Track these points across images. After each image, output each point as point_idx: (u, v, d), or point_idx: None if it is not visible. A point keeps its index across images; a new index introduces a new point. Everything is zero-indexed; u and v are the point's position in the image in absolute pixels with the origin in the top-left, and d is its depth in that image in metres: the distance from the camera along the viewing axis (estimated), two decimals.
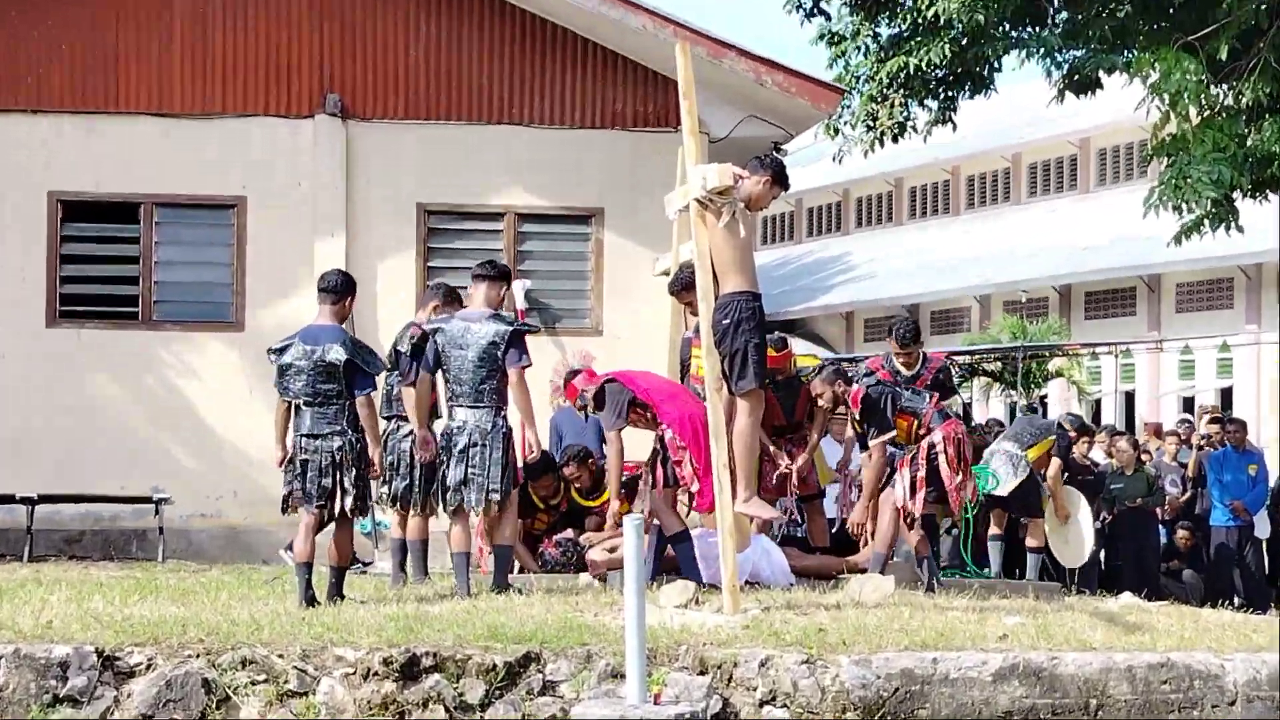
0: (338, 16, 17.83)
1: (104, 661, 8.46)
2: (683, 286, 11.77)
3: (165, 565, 15.66)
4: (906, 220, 43.79)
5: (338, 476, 10.65)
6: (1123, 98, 18.33)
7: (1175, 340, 29.47)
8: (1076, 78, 17.20)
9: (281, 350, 10.86)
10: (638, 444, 12.29)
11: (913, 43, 17.19)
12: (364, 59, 17.85)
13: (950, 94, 17.85)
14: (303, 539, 10.74)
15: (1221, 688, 9.01)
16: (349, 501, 10.69)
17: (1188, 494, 18.82)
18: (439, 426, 11.57)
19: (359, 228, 17.74)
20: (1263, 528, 18.73)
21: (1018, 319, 31.54)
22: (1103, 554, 17.20)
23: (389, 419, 12.14)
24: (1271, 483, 19.05)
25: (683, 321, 12.52)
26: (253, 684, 8.42)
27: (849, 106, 18.28)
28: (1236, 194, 16.00)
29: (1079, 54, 17.11)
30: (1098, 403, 33.45)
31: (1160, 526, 18.22)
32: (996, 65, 17.50)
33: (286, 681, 8.44)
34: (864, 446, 12.45)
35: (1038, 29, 17.19)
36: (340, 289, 10.98)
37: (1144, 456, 18.74)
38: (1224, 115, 15.83)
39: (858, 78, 18.11)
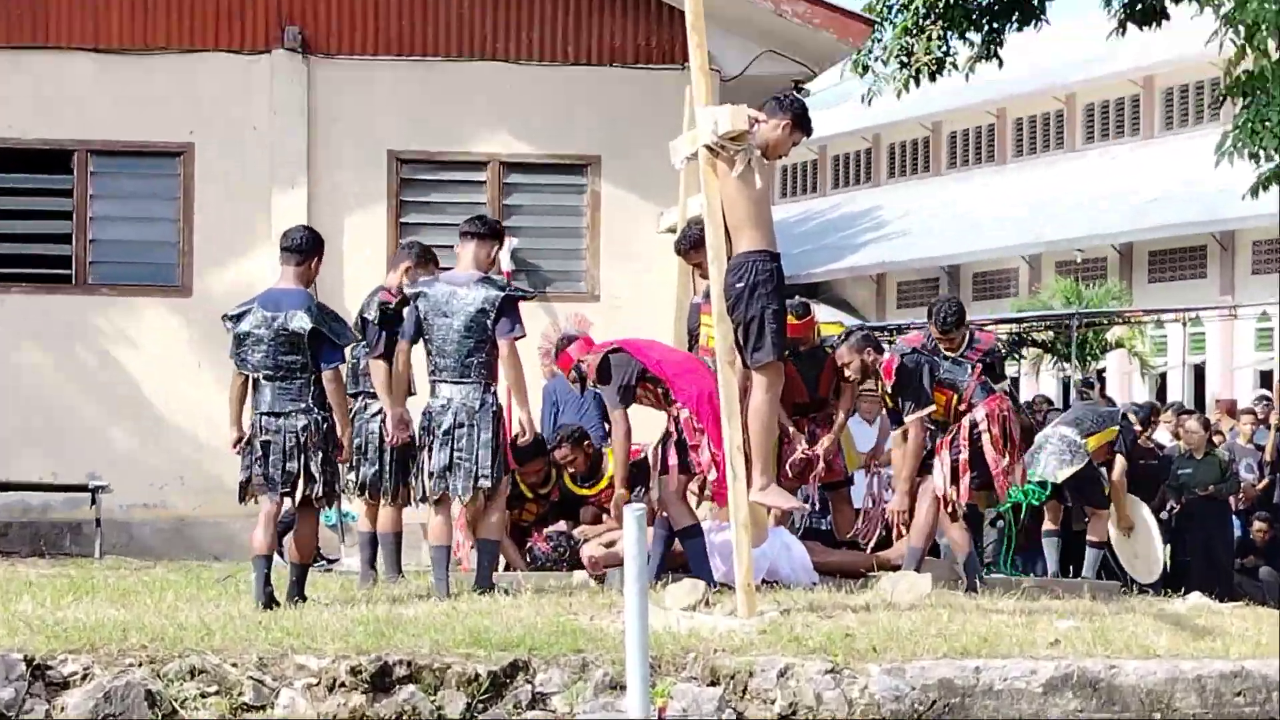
0: None
1: (34, 671, 8.46)
2: (691, 245, 11.75)
3: (103, 562, 15.68)
4: (945, 170, 43.81)
5: (303, 460, 10.67)
6: (1192, 30, 18.30)
7: (1251, 306, 29.54)
8: (1139, 7, 17.16)
9: (238, 317, 10.86)
10: (640, 424, 12.25)
11: None
12: None
13: (995, 25, 17.81)
14: (262, 529, 10.75)
15: None
16: (315, 489, 10.71)
17: (1265, 481, 18.84)
18: (416, 407, 11.56)
19: (322, 178, 17.72)
20: None
21: (1071, 282, 31.61)
22: (1168, 549, 17.23)
23: (355, 396, 12.14)
24: None
25: (691, 285, 12.52)
26: (203, 696, 8.43)
27: (880, 40, 18.26)
28: None
29: None
30: (1163, 377, 33.52)
31: (1234, 517, 18.25)
32: None
33: (241, 693, 8.45)
34: (897, 423, 12.45)
35: None
36: (306, 248, 10.97)
37: (1216, 438, 18.76)
38: None
39: (890, 7, 18.09)
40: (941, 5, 17.22)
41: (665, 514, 11.48)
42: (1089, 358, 29.40)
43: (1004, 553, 13.84)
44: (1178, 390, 32.54)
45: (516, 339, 11.17)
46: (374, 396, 11.99)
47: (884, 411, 13.16)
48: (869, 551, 12.67)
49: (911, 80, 18.02)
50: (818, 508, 13.55)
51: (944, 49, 17.90)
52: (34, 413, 17.31)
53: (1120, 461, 14.32)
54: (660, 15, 17.93)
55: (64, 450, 17.16)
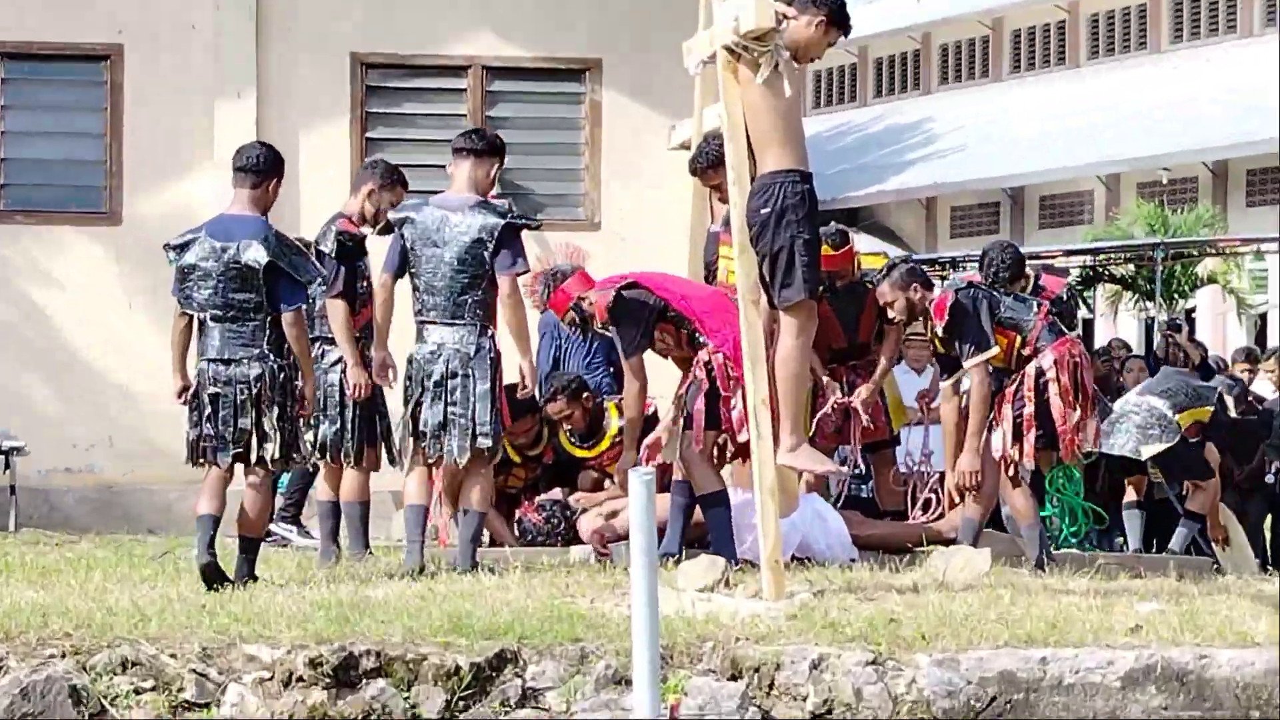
0: None
1: None
2: (708, 164, 11.76)
3: (19, 536, 15.72)
4: (1007, 75, 43.72)
5: (255, 415, 10.69)
6: None
7: None
8: None
9: (182, 247, 10.87)
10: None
11: None
12: None
13: None
14: (210, 491, 10.78)
15: None
16: (270, 449, 10.73)
17: None
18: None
19: (274, 86, 17.73)
20: None
21: (1156, 206, 31.57)
22: (1269, 519, 17.26)
23: (312, 342, 12.15)
24: None
25: (708, 211, 12.52)
26: (136, 692, 8.46)
27: None
28: None
29: None
30: (1263, 318, 33.53)
31: None
32: None
33: (181, 689, 8.47)
34: (949, 372, 12.44)
35: None
36: (263, 168, 10.97)
37: None
38: None
39: None
40: None
41: (684, 477, 11.49)
42: (1176, 295, 29.38)
43: (1067, 518, 13.85)
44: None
45: (519, 274, 11.18)
46: (332, 343, 12.02)
47: (934, 358, 13.16)
48: (918, 522, 12.68)
49: None
50: (862, 470, 13.57)
51: None
52: None
53: (1214, 454, 14.36)
54: None
55: None
